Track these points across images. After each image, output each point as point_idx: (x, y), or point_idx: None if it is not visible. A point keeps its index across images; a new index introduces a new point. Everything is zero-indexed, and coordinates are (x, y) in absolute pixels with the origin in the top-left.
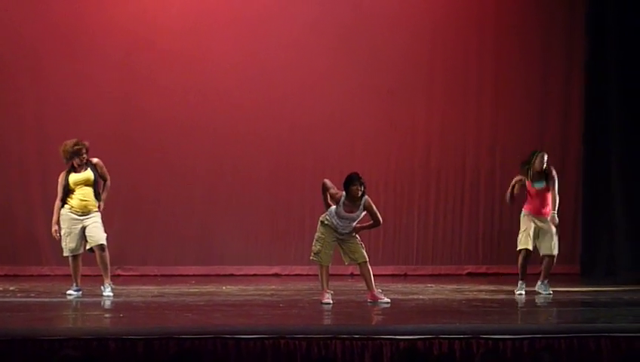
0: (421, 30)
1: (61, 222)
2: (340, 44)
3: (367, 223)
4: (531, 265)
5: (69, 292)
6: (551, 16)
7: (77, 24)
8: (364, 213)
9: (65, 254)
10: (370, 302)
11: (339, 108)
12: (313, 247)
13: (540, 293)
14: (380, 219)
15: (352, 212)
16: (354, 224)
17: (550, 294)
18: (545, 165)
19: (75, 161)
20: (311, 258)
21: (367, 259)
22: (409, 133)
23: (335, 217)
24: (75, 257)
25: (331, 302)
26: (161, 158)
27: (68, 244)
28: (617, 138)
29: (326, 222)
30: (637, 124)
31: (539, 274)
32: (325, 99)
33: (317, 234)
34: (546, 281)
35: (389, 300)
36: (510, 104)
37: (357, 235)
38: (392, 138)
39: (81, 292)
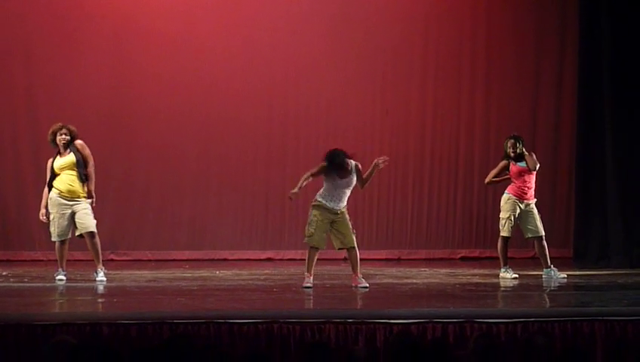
0: (414, 15)
1: (50, 207)
2: (333, 30)
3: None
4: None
5: (59, 277)
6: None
7: (68, 10)
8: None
9: (53, 239)
10: (353, 286)
11: (332, 93)
12: (306, 230)
13: (552, 278)
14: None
15: (345, 178)
16: (350, 191)
17: (565, 278)
18: (518, 149)
19: (59, 144)
20: (305, 240)
21: (356, 245)
22: (402, 118)
23: (332, 194)
24: (62, 242)
25: (311, 285)
26: (153, 143)
27: (56, 229)
28: (610, 123)
29: (320, 204)
30: (630, 108)
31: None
32: (318, 85)
33: (310, 218)
34: (551, 266)
35: (367, 284)
36: (503, 88)
37: (348, 217)
38: (386, 123)
39: (65, 279)
